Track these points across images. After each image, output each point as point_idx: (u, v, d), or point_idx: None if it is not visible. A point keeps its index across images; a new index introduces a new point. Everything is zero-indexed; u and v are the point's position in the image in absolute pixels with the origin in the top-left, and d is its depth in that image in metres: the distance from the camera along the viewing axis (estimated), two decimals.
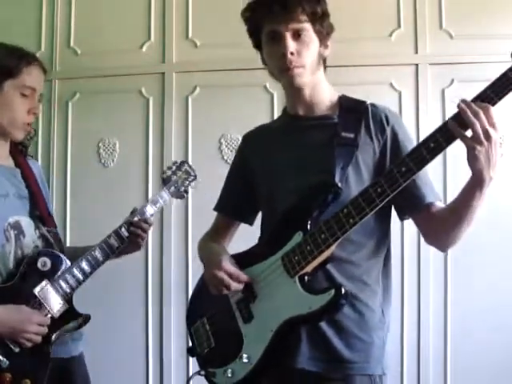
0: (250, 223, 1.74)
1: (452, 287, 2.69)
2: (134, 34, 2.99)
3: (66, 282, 1.73)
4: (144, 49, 2.99)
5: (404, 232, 2.66)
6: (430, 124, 2.73)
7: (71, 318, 1.75)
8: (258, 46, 1.58)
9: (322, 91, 1.56)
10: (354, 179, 1.46)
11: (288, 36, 1.46)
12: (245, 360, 1.44)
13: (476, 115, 1.28)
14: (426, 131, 2.70)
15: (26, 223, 1.75)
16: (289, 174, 1.52)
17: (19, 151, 1.85)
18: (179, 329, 2.81)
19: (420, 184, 1.45)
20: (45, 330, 1.66)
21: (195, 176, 2.06)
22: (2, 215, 1.69)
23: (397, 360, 2.67)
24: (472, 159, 1.26)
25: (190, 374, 2.79)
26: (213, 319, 1.57)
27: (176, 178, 2.04)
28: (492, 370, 2.61)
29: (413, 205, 1.47)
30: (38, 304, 1.69)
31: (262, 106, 2.84)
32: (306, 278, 1.41)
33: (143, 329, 2.87)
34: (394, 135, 1.50)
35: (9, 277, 1.69)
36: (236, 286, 1.46)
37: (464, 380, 2.65)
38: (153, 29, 2.98)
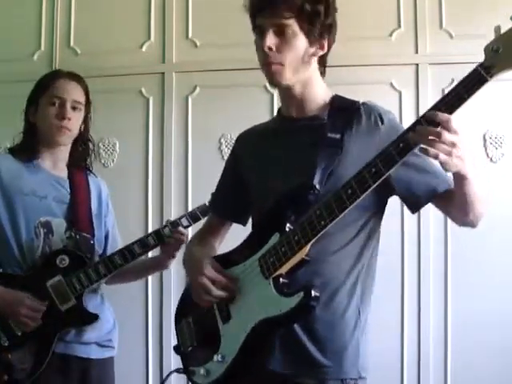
0: (243, 223, 1.72)
1: (452, 287, 2.69)
2: (134, 34, 2.99)
3: (79, 280, 1.87)
4: (144, 49, 2.99)
5: (404, 231, 2.66)
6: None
7: (79, 314, 1.88)
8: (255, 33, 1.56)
9: (314, 91, 1.53)
10: (338, 180, 1.40)
11: (270, 31, 1.43)
12: (220, 359, 1.45)
13: (437, 135, 1.23)
14: None
15: (58, 224, 1.94)
16: (274, 175, 1.51)
17: (81, 167, 2.06)
18: None
19: (425, 176, 1.41)
20: (35, 315, 1.80)
21: None
22: (36, 213, 1.90)
23: (397, 360, 2.67)
24: (446, 167, 1.24)
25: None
26: (196, 318, 1.58)
27: None
28: (492, 370, 2.61)
29: (421, 200, 1.43)
30: (47, 296, 1.84)
31: (261, 105, 2.84)
32: (280, 279, 1.39)
33: (143, 329, 2.87)
34: (389, 135, 1.41)
35: (31, 268, 1.88)
36: (216, 292, 1.45)
37: (464, 380, 2.65)
38: (153, 29, 2.98)
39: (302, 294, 1.32)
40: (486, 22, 2.69)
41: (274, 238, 1.41)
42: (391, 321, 2.66)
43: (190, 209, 2.85)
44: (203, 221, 1.95)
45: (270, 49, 1.43)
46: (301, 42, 1.45)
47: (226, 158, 2.84)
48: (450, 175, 1.36)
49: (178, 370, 1.57)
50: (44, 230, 1.90)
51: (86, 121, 2.04)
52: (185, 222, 1.98)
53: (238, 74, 2.85)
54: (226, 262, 1.52)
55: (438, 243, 2.68)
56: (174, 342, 2.79)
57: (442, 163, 1.24)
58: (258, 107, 2.83)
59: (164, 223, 2.00)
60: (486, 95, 2.79)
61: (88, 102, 2.03)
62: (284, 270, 1.38)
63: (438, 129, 1.24)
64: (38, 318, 1.80)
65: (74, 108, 1.96)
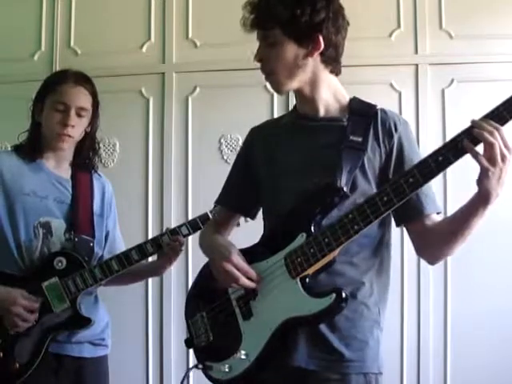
0: (252, 217, 1.74)
1: (452, 287, 2.69)
2: (134, 34, 2.99)
3: (75, 283, 1.86)
4: (144, 49, 2.99)
5: (404, 234, 2.65)
6: (430, 124, 2.74)
7: (72, 318, 1.87)
8: None
9: (326, 91, 1.54)
10: (360, 184, 1.46)
11: (260, 44, 1.50)
12: (243, 356, 1.46)
13: (492, 135, 1.26)
14: (425, 131, 2.71)
15: (57, 225, 1.92)
16: (293, 173, 1.52)
17: (84, 166, 2.04)
18: (179, 329, 2.81)
19: (420, 195, 1.44)
20: (27, 315, 1.78)
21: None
22: (35, 214, 1.89)
23: (397, 360, 2.68)
24: (484, 179, 1.26)
25: (190, 372, 2.79)
26: (212, 313, 1.57)
27: None
28: (492, 370, 2.61)
29: (409, 215, 1.47)
30: (43, 297, 1.83)
31: (262, 105, 2.84)
32: (306, 279, 1.42)
33: (143, 329, 2.87)
34: (401, 145, 1.49)
35: (29, 269, 1.87)
36: (244, 281, 1.45)
37: (464, 380, 2.65)
38: (153, 29, 2.99)
39: (334, 295, 1.36)
40: (486, 22, 2.73)
41: (300, 239, 1.43)
42: (391, 321, 2.66)
43: (190, 209, 2.87)
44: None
45: (260, 60, 1.50)
46: (287, 47, 1.47)
47: (226, 158, 2.89)
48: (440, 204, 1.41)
49: (196, 366, 1.56)
50: (43, 231, 1.90)
51: (93, 122, 2.01)
52: (184, 230, 1.96)
53: (238, 74, 2.85)
54: (245, 258, 1.51)
55: None
56: (173, 341, 2.84)
57: (482, 169, 1.25)
58: (258, 107, 2.83)
59: (163, 230, 1.99)
60: (486, 95, 2.80)
61: (96, 104, 2.00)
62: (311, 270, 1.41)
63: (493, 129, 1.27)
64: (30, 319, 1.79)
65: (78, 114, 1.93)
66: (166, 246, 1.93)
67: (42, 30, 3.05)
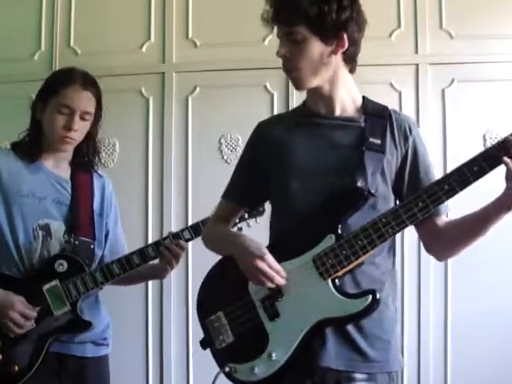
0: (257, 211, 1.81)
1: (452, 287, 2.69)
2: (134, 34, 2.99)
3: (76, 286, 1.85)
4: (144, 49, 2.99)
5: (404, 234, 2.66)
6: (430, 124, 2.74)
7: (72, 321, 1.86)
8: None
9: (343, 90, 1.54)
10: (380, 186, 1.48)
11: (284, 39, 1.48)
12: (271, 358, 1.45)
13: None
14: (426, 131, 2.71)
15: (57, 227, 1.90)
16: (309, 172, 1.51)
17: (83, 166, 2.01)
18: (179, 329, 2.81)
19: None
20: (22, 321, 1.76)
21: (263, 211, 1.95)
22: (34, 216, 1.87)
23: None
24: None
25: (190, 374, 2.80)
26: (232, 315, 1.54)
27: None
28: (492, 370, 2.60)
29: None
30: (43, 300, 1.82)
31: (262, 106, 2.84)
32: (337, 280, 1.44)
33: (143, 329, 2.87)
34: (415, 147, 1.53)
35: (28, 271, 1.85)
36: (280, 280, 1.44)
37: (464, 380, 2.65)
38: (153, 29, 2.98)
39: (370, 297, 1.39)
40: (486, 22, 2.73)
41: (329, 240, 1.44)
42: None
43: (190, 209, 2.87)
44: None
45: (284, 57, 1.48)
46: (313, 44, 1.46)
47: (226, 157, 2.89)
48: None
49: (223, 370, 1.52)
50: (42, 233, 1.88)
51: (95, 124, 1.99)
52: (187, 234, 1.95)
53: (238, 74, 2.85)
54: None
55: None
56: (173, 341, 2.84)
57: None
58: (258, 107, 2.83)
59: (166, 234, 1.98)
60: (486, 95, 2.80)
61: (99, 107, 1.98)
62: (342, 272, 1.43)
63: None
64: (26, 326, 1.78)
65: (82, 118, 1.91)
66: (167, 250, 1.91)
67: (41, 29, 3.05)
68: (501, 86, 2.70)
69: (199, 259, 2.81)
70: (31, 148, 1.94)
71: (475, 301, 2.64)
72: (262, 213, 1.89)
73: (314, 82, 1.50)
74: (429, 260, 2.68)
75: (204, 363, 2.76)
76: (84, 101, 1.91)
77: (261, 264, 1.42)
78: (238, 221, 1.96)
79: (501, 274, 2.64)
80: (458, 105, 2.72)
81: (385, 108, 1.57)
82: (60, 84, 1.91)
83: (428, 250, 1.59)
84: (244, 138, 2.82)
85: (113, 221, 2.08)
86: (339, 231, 1.44)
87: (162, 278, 2.20)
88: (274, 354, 1.45)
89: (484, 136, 2.70)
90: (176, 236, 1.94)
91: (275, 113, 2.80)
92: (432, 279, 2.69)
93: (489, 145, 2.68)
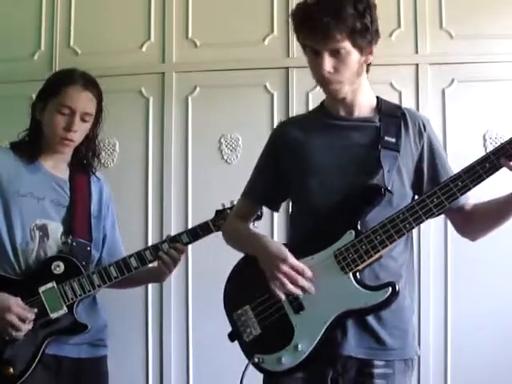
0: (276, 210, 1.82)
1: (452, 287, 2.69)
2: (134, 34, 2.99)
3: (72, 288, 1.84)
4: (144, 49, 2.99)
5: None
6: (431, 124, 2.73)
7: (69, 324, 1.85)
8: (303, 48, 1.63)
9: (363, 94, 1.62)
10: (395, 183, 1.55)
11: (326, 55, 1.51)
12: (299, 349, 1.53)
13: None
14: None
15: (54, 228, 1.89)
16: (329, 171, 1.58)
17: (82, 167, 2.00)
18: (179, 330, 2.82)
19: None
20: (19, 324, 1.74)
21: (261, 215, 1.95)
22: (32, 216, 1.86)
23: None
24: None
25: (190, 375, 2.80)
26: (258, 308, 1.61)
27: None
28: (493, 371, 2.60)
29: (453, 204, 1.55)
30: (39, 302, 1.80)
31: (262, 106, 2.84)
32: (357, 274, 1.52)
33: (143, 330, 2.87)
34: (430, 142, 1.61)
35: (24, 272, 1.83)
36: (304, 282, 1.50)
37: (465, 380, 2.65)
38: (153, 29, 2.98)
39: (390, 289, 1.47)
40: (486, 21, 2.73)
41: (349, 235, 1.52)
42: None
43: (189, 209, 2.87)
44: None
45: (330, 72, 1.52)
46: (354, 57, 1.53)
47: (225, 157, 2.89)
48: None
49: (252, 361, 1.58)
50: (40, 234, 1.87)
51: (95, 126, 1.98)
52: (185, 238, 1.94)
53: (238, 74, 2.85)
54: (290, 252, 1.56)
55: (438, 244, 2.68)
56: (173, 341, 2.83)
57: None
58: (258, 107, 2.83)
59: (164, 238, 1.98)
60: (486, 95, 2.80)
61: (100, 109, 1.97)
62: (362, 266, 1.51)
63: None
64: (23, 328, 1.76)
65: (82, 119, 1.90)
66: (165, 253, 1.91)
67: (41, 29, 3.04)
68: (501, 86, 2.70)
69: (199, 261, 2.82)
70: (31, 148, 1.93)
71: (475, 301, 2.63)
72: (259, 217, 1.90)
73: (349, 91, 1.57)
74: (428, 260, 2.69)
75: (204, 364, 2.77)
76: (84, 101, 1.90)
77: (284, 267, 1.50)
78: None
79: (501, 274, 2.64)
80: (458, 105, 2.73)
81: (398, 107, 1.65)
82: (61, 84, 1.90)
83: (459, 232, 1.69)
84: (244, 137, 2.85)
85: (110, 224, 2.07)
86: (358, 227, 1.52)
87: (160, 281, 2.19)
88: (299, 345, 1.53)
89: (484, 136, 2.70)
90: (174, 239, 1.94)
91: (275, 113, 2.80)
92: (432, 279, 2.69)
93: (489, 145, 2.69)
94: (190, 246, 2.68)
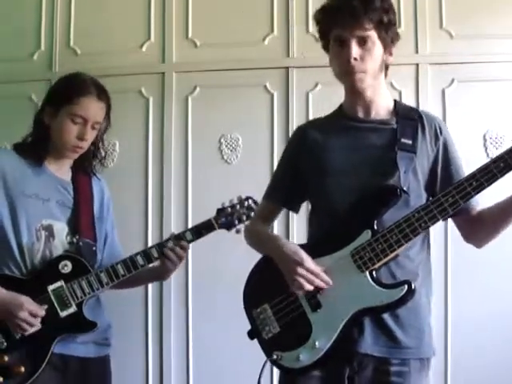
0: (297, 211, 1.85)
1: (452, 288, 2.69)
2: (134, 34, 2.99)
3: (81, 287, 1.87)
4: (144, 49, 2.99)
5: None
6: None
7: (78, 322, 1.87)
8: (325, 47, 1.66)
9: (381, 95, 1.65)
10: (412, 184, 1.58)
11: (353, 42, 1.54)
12: (317, 346, 1.56)
13: None
14: None
15: (60, 228, 1.92)
16: (346, 171, 1.61)
17: (83, 169, 2.04)
18: (179, 329, 2.81)
19: None
20: (33, 320, 1.77)
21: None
22: (37, 216, 1.89)
23: None
24: None
25: (190, 375, 2.80)
26: (277, 307, 1.64)
27: (232, 211, 2.02)
28: (493, 371, 2.60)
29: (461, 209, 1.56)
30: (48, 301, 1.83)
31: (262, 106, 2.84)
32: (374, 272, 1.54)
33: (143, 330, 2.87)
34: (446, 145, 1.63)
35: (31, 272, 1.86)
36: (319, 283, 1.54)
37: (464, 380, 2.65)
38: (153, 29, 2.98)
39: (405, 287, 1.50)
40: (487, 21, 2.73)
41: (366, 235, 1.55)
42: None
43: (189, 209, 2.87)
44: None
45: (356, 59, 1.55)
46: (379, 50, 1.57)
47: (225, 157, 2.89)
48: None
49: (271, 359, 1.60)
50: (45, 233, 1.89)
51: (102, 132, 2.02)
52: (189, 236, 1.97)
53: (237, 74, 2.85)
54: (307, 253, 1.59)
55: (438, 244, 2.68)
56: (173, 341, 2.83)
57: None
58: (258, 107, 2.83)
59: (165, 234, 2.00)
60: (486, 95, 2.80)
61: (108, 117, 2.01)
62: (379, 264, 1.54)
63: None
64: (36, 324, 1.79)
65: (92, 127, 1.94)
66: (170, 251, 1.93)
67: (41, 29, 3.04)
68: (501, 86, 2.70)
69: (199, 260, 2.82)
70: (37, 150, 1.94)
71: (475, 302, 2.63)
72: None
73: (371, 86, 1.60)
74: None
75: (204, 364, 2.77)
76: (98, 112, 1.94)
77: (300, 270, 1.53)
78: (236, 222, 2.00)
79: (501, 275, 2.64)
80: (458, 105, 2.72)
81: (415, 110, 1.69)
82: (75, 93, 1.92)
83: (466, 239, 1.70)
84: (244, 138, 2.85)
85: (111, 225, 2.10)
86: (375, 227, 1.55)
87: (164, 279, 2.20)
88: (317, 343, 1.56)
89: (484, 136, 2.70)
90: (178, 237, 1.96)
91: (275, 113, 2.80)
92: (432, 279, 2.69)
93: (489, 145, 2.69)
94: (190, 245, 2.70)
